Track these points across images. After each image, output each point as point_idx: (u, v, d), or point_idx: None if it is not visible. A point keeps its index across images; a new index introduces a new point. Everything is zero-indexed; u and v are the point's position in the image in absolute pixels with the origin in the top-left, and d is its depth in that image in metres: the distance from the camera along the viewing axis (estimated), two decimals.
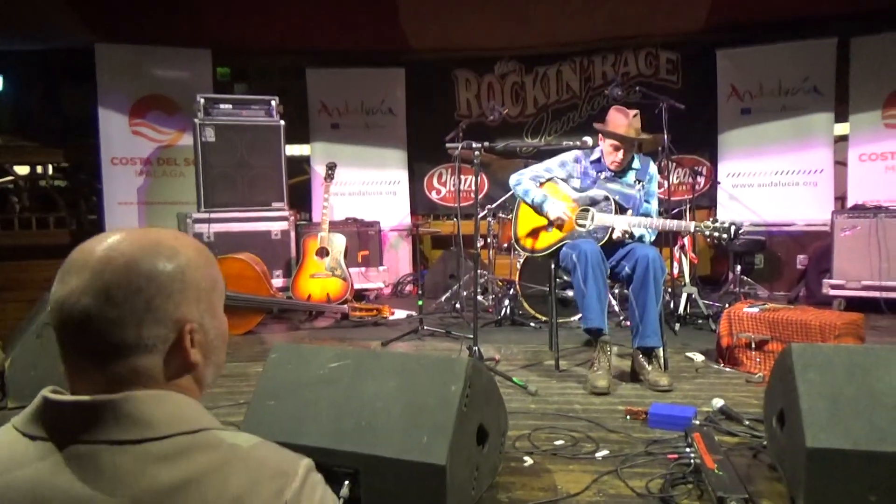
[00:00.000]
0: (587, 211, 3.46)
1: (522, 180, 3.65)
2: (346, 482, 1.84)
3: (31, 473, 0.73)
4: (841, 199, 5.77)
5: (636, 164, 3.55)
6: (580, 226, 3.45)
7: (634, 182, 3.53)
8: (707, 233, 3.16)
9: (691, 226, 3.28)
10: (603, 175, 3.54)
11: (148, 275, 0.78)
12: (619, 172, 3.53)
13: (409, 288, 6.38)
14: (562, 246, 3.46)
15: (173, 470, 0.73)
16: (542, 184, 3.65)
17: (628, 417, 2.72)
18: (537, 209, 3.58)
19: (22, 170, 7.18)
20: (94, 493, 0.71)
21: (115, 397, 0.75)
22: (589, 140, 3.48)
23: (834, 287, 4.89)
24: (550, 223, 3.53)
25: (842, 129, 5.80)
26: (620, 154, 3.45)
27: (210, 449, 0.76)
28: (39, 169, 7.19)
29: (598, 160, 3.56)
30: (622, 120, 3.42)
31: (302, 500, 0.77)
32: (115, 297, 0.76)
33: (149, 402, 0.76)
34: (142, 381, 0.78)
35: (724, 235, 3.11)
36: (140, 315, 0.77)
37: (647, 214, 3.49)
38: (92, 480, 0.72)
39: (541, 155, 5.05)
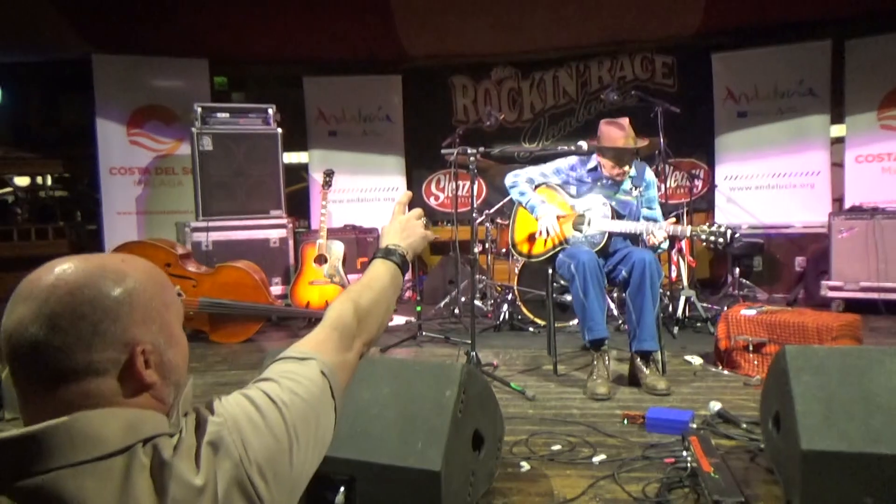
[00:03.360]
0: (584, 217, 3.46)
1: (518, 182, 3.64)
2: (342, 489, 1.85)
3: None
4: (838, 200, 5.77)
5: (632, 170, 3.54)
6: (577, 230, 3.46)
7: (631, 188, 3.53)
8: (703, 237, 3.15)
9: (687, 230, 3.28)
10: (599, 183, 3.54)
11: (92, 300, 0.79)
12: (617, 181, 3.53)
13: (407, 294, 6.37)
14: (558, 252, 3.46)
15: (137, 480, 0.74)
16: (536, 188, 3.65)
17: (626, 422, 2.72)
18: (530, 212, 3.58)
19: (22, 181, 7.20)
20: None
21: (65, 419, 0.75)
22: (584, 145, 3.49)
23: (832, 289, 4.89)
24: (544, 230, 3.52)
25: (838, 130, 5.81)
26: (625, 166, 3.45)
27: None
28: (39, 180, 7.21)
29: (595, 168, 3.56)
30: (617, 132, 3.40)
31: (244, 437, 0.83)
32: (60, 324, 0.77)
33: (99, 418, 0.77)
34: (95, 403, 0.78)
35: (721, 240, 3.10)
36: (87, 340, 0.78)
37: (654, 221, 3.47)
38: None
39: (537, 160, 5.06)
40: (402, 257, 1.27)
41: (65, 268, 0.81)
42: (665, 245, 3.38)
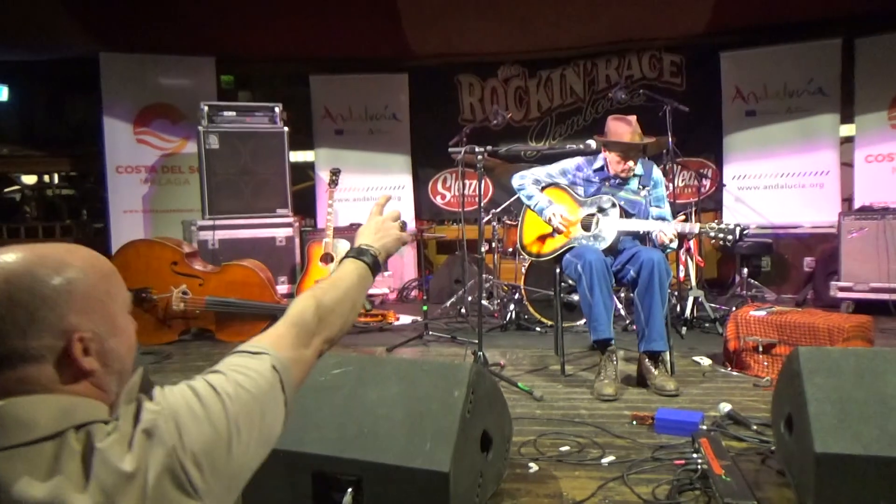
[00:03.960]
0: (592, 216, 3.44)
1: (525, 184, 3.63)
2: (350, 490, 1.83)
3: None
4: (848, 200, 5.73)
5: (639, 169, 3.52)
6: (585, 230, 3.43)
7: (639, 188, 3.51)
8: (712, 234, 3.13)
9: (696, 227, 3.26)
10: (607, 182, 3.52)
11: (30, 288, 0.81)
12: (624, 179, 3.51)
13: (414, 293, 6.37)
14: (566, 251, 3.44)
15: (67, 465, 0.75)
16: (544, 188, 3.64)
17: (634, 423, 2.70)
18: (538, 214, 3.56)
19: (29, 179, 7.22)
20: None
21: None
22: (592, 143, 3.46)
23: (842, 289, 4.85)
24: (555, 229, 3.51)
25: (848, 130, 5.77)
26: (629, 162, 3.43)
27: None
28: (46, 178, 7.23)
29: (602, 168, 3.54)
30: (624, 128, 3.39)
31: (180, 424, 0.82)
32: None
33: (32, 404, 0.78)
34: (32, 389, 0.80)
35: (730, 237, 3.08)
36: (22, 327, 0.80)
37: (662, 220, 3.45)
38: None
39: (544, 159, 5.03)
40: (373, 258, 1.28)
41: (6, 257, 0.83)
42: (674, 245, 3.36)
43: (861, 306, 4.67)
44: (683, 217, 3.39)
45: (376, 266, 1.29)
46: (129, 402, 0.85)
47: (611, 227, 3.35)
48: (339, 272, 1.24)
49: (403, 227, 1.39)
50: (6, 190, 7.37)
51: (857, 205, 5.38)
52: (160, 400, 0.85)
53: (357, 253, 1.29)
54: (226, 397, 0.88)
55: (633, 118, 3.43)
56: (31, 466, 0.74)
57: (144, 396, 0.86)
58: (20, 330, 0.79)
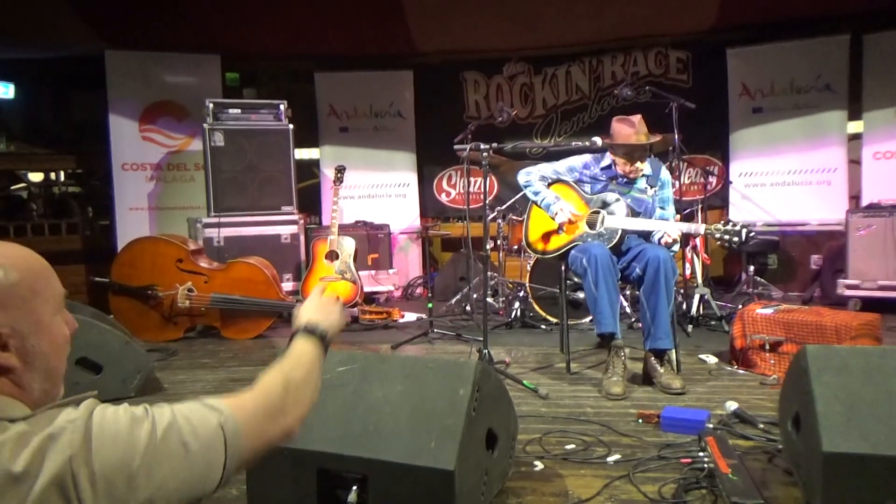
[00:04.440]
0: (598, 213, 3.43)
1: (532, 180, 3.62)
2: (354, 487, 1.83)
3: None
4: (855, 198, 5.69)
5: (647, 169, 3.50)
6: (591, 227, 3.42)
7: (646, 187, 3.49)
8: (717, 236, 3.10)
9: (701, 228, 3.23)
10: (614, 180, 3.50)
11: None
12: (631, 179, 3.49)
13: (419, 290, 6.37)
14: (572, 248, 3.43)
15: None
16: (550, 184, 3.62)
17: (640, 421, 2.69)
18: (545, 210, 3.55)
19: (35, 176, 7.24)
20: None
21: None
22: (598, 141, 3.45)
23: (849, 287, 4.82)
24: (561, 226, 3.50)
25: (855, 126, 5.72)
26: (637, 163, 3.41)
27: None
28: (52, 175, 7.25)
29: (609, 166, 3.52)
30: (628, 129, 3.37)
31: (88, 446, 0.79)
32: None
33: None
34: None
35: (735, 239, 3.05)
36: None
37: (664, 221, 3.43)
38: None
39: (550, 156, 5.02)
40: (324, 336, 1.25)
41: None
42: (676, 248, 3.35)
43: (868, 304, 4.64)
44: (678, 218, 3.36)
45: (327, 345, 1.26)
46: (59, 406, 0.84)
47: (616, 225, 3.34)
48: (297, 349, 1.20)
49: (342, 311, 1.35)
50: (13, 187, 7.40)
51: (864, 202, 5.34)
52: (82, 411, 0.83)
53: (308, 330, 1.24)
54: (154, 433, 0.85)
55: (637, 118, 3.40)
56: None
57: (73, 405, 0.84)
58: None
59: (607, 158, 3.53)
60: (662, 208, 3.50)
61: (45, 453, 0.77)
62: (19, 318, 0.85)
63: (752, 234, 3.06)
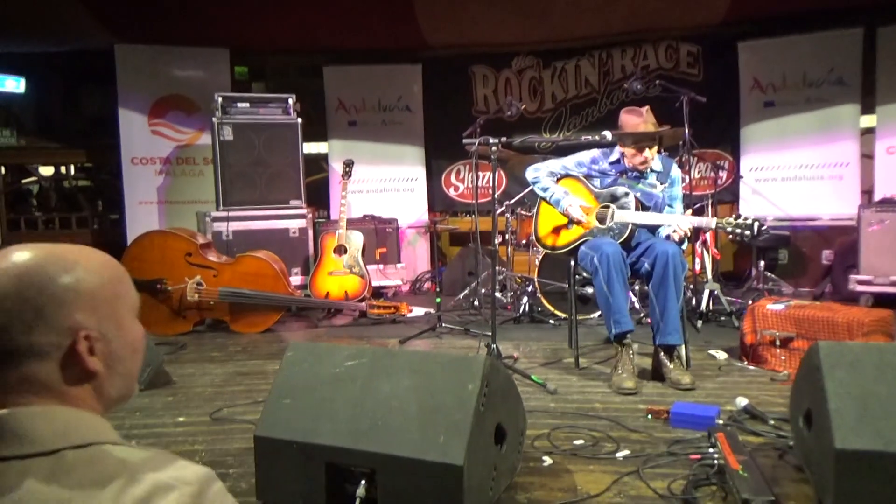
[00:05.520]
0: (608, 208, 3.41)
1: (540, 176, 3.60)
2: (363, 482, 1.83)
3: None
4: (868, 192, 5.63)
5: (658, 165, 3.47)
6: (601, 222, 3.40)
7: (656, 183, 3.47)
8: (729, 230, 3.08)
9: (713, 222, 3.21)
10: (624, 175, 3.48)
11: (39, 285, 0.81)
12: (641, 173, 3.47)
13: (427, 285, 6.36)
14: (581, 243, 3.41)
15: (55, 485, 0.72)
16: (558, 179, 3.61)
17: (650, 417, 2.68)
18: (554, 206, 3.53)
19: (46, 170, 7.28)
20: None
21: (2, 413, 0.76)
22: (608, 134, 3.42)
23: (861, 283, 4.78)
24: (571, 221, 3.48)
25: (868, 121, 5.67)
26: (646, 153, 3.38)
27: (96, 463, 0.76)
28: (63, 169, 7.28)
29: (618, 161, 3.50)
30: (636, 119, 3.35)
31: None
32: (5, 305, 0.79)
33: (35, 417, 0.77)
34: (34, 388, 0.80)
35: (747, 232, 3.03)
36: (29, 322, 0.79)
37: None
38: None
39: (559, 150, 4.99)
40: None
41: (19, 255, 0.83)
42: (684, 246, 3.33)
43: (881, 300, 4.60)
44: (690, 212, 3.34)
45: None
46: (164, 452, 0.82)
47: (627, 219, 3.32)
48: None
49: None
50: (24, 181, 7.44)
51: (877, 197, 5.29)
52: (203, 476, 0.79)
53: None
54: None
55: (645, 108, 3.38)
56: (25, 475, 0.73)
57: (186, 460, 0.81)
58: (26, 326, 0.79)
59: (616, 153, 3.51)
60: (670, 206, 3.47)
61: (153, 501, 0.74)
62: (105, 321, 0.85)
63: (764, 228, 3.04)
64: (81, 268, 0.84)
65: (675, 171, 3.51)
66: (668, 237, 3.28)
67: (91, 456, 0.76)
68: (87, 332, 0.82)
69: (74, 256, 0.85)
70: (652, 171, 3.47)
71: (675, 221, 3.26)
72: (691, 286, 4.56)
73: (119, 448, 0.79)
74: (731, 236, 3.12)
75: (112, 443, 0.79)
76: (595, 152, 3.59)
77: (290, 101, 5.51)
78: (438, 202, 6.79)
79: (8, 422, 0.75)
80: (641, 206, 3.37)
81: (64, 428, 0.77)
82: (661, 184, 3.45)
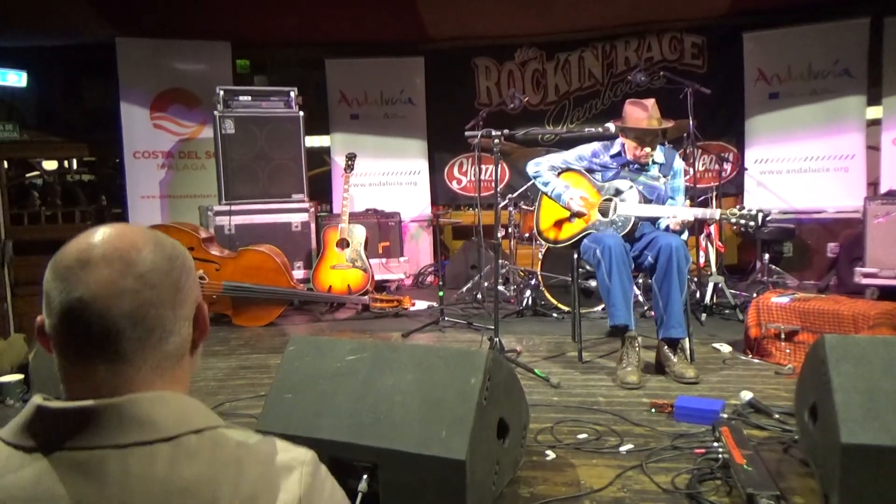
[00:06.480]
0: (610, 201, 3.39)
1: (541, 171, 3.58)
2: (365, 476, 1.82)
3: (29, 485, 0.70)
4: (874, 184, 5.59)
5: (660, 157, 3.45)
6: (603, 215, 3.38)
7: (658, 175, 3.44)
8: (733, 220, 3.07)
9: (717, 213, 3.20)
10: (626, 168, 3.46)
11: (171, 257, 0.80)
12: (643, 165, 3.44)
13: (429, 279, 6.35)
14: (584, 237, 3.39)
15: (183, 470, 0.72)
16: (560, 173, 3.58)
17: (653, 410, 2.67)
18: (556, 200, 3.51)
19: (49, 164, 7.28)
20: (102, 498, 0.70)
21: (119, 400, 0.74)
22: (612, 127, 3.40)
23: (866, 275, 4.74)
24: (573, 214, 3.46)
25: (875, 112, 5.61)
26: (647, 148, 3.36)
27: (218, 447, 0.75)
28: (66, 164, 7.28)
29: (619, 153, 3.47)
30: (641, 113, 3.32)
31: (314, 492, 0.77)
32: (150, 279, 0.77)
33: (153, 403, 0.76)
34: (167, 367, 0.80)
35: (752, 223, 3.02)
36: (174, 296, 0.79)
37: None
38: (98, 486, 0.70)
39: (562, 143, 4.97)
40: None
41: (127, 229, 0.80)
42: (685, 236, 3.31)
43: (886, 293, 4.57)
44: (689, 206, 3.33)
45: None
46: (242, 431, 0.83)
47: (629, 212, 3.29)
48: None
49: None
50: (27, 175, 7.44)
51: (883, 189, 5.25)
52: (310, 458, 0.82)
53: None
54: None
55: (651, 102, 3.35)
56: (153, 461, 0.72)
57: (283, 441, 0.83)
58: (172, 300, 0.79)
59: (617, 145, 3.49)
60: (672, 198, 3.45)
61: (278, 483, 0.76)
62: (197, 292, 0.85)
63: (768, 217, 3.03)
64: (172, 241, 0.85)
65: (678, 163, 3.49)
66: (667, 228, 3.26)
67: (211, 440, 0.76)
68: (199, 301, 0.84)
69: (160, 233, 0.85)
70: (654, 162, 3.44)
71: (680, 213, 3.24)
72: (695, 279, 4.54)
73: (233, 431, 0.79)
74: (735, 227, 3.11)
75: (224, 426, 0.79)
76: (596, 145, 3.56)
77: (292, 94, 5.49)
78: (441, 195, 6.77)
79: (129, 409, 0.74)
80: (644, 199, 3.35)
81: (182, 413, 0.77)
82: (664, 176, 3.43)
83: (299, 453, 0.80)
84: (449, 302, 4.95)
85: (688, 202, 3.93)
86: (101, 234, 0.78)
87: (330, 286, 5.00)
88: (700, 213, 3.34)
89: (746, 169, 5.88)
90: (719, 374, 3.20)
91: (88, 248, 0.76)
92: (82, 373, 0.76)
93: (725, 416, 2.52)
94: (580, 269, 3.61)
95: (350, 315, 4.97)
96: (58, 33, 6.03)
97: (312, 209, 5.52)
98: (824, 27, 5.55)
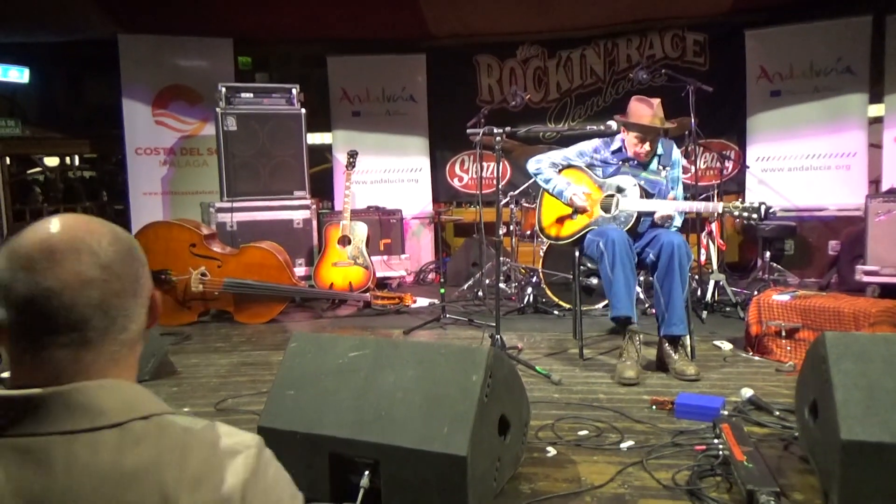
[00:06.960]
0: (612, 196, 3.39)
1: (542, 168, 3.58)
2: (366, 472, 1.83)
3: None
4: (875, 182, 5.59)
5: (659, 149, 3.46)
6: (605, 211, 3.39)
7: (658, 168, 3.45)
8: (736, 213, 3.08)
9: (719, 206, 3.20)
10: (627, 163, 3.46)
11: (129, 246, 0.82)
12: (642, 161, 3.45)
13: (431, 276, 6.36)
14: (586, 233, 3.40)
15: (130, 456, 0.73)
16: (561, 170, 3.59)
17: (654, 407, 2.67)
18: (557, 197, 3.52)
19: (51, 161, 7.29)
20: (48, 485, 0.70)
21: (66, 388, 0.75)
22: (613, 124, 3.40)
23: (868, 273, 4.74)
24: (575, 211, 3.46)
25: (876, 110, 5.61)
26: (647, 145, 3.37)
27: (164, 433, 0.76)
28: (67, 160, 7.29)
29: (619, 149, 3.48)
30: (645, 110, 3.32)
31: (258, 475, 0.78)
32: (112, 269, 0.79)
33: (99, 390, 0.76)
34: (121, 356, 0.80)
35: (755, 215, 3.02)
36: (133, 286, 0.81)
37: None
38: (43, 473, 0.71)
39: (564, 140, 4.96)
40: None
41: (83, 221, 0.81)
42: (678, 223, 3.32)
43: (887, 291, 4.57)
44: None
45: None
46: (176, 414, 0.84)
47: (631, 207, 3.30)
48: None
49: None
50: (29, 171, 7.45)
51: (885, 187, 5.25)
52: (253, 441, 0.82)
53: None
54: None
55: (656, 101, 3.36)
56: (99, 448, 0.73)
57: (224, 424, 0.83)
58: (132, 289, 0.81)
59: (617, 141, 3.49)
60: (671, 188, 3.46)
61: (224, 467, 0.76)
62: (151, 281, 0.86)
63: (771, 210, 3.03)
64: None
65: (676, 154, 3.51)
66: (657, 224, 3.28)
67: (157, 426, 0.76)
68: (152, 289, 0.86)
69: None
70: (655, 155, 3.45)
71: (682, 207, 3.25)
72: (696, 276, 4.54)
73: (180, 417, 0.79)
74: (738, 220, 3.11)
75: (170, 413, 0.80)
76: (596, 142, 3.57)
77: (294, 91, 5.49)
78: (443, 193, 6.78)
79: (76, 396, 0.75)
80: (645, 194, 3.35)
81: (130, 400, 0.77)
82: (664, 168, 3.44)
83: (245, 438, 0.81)
84: (450, 299, 4.95)
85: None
86: (59, 224, 0.79)
87: (331, 283, 5.01)
88: (703, 206, 3.34)
89: (748, 167, 5.88)
90: (720, 371, 3.21)
91: (49, 237, 0.77)
92: (40, 361, 0.76)
93: (726, 413, 2.53)
94: (581, 267, 3.62)
95: (351, 312, 4.98)
96: (60, 30, 6.03)
97: (314, 206, 5.52)
98: (826, 25, 5.55)
